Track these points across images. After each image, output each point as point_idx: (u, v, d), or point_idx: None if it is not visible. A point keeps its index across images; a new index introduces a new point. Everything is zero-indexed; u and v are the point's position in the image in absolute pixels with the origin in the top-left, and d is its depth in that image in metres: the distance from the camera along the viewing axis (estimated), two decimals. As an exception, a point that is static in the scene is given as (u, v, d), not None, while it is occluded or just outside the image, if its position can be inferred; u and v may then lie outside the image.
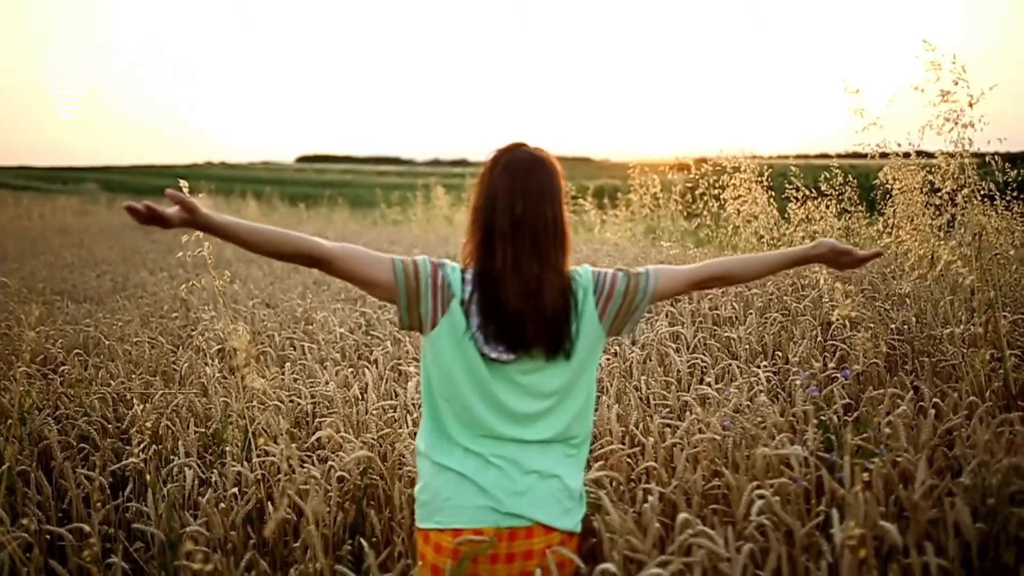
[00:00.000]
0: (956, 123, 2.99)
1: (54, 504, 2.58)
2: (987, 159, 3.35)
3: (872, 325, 3.43)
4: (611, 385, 2.98)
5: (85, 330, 4.60)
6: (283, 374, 3.53)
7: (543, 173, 1.67)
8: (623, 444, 2.50)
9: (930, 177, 3.61)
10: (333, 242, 1.64)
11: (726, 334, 3.67)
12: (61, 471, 2.64)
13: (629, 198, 7.66)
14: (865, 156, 3.64)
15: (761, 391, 2.79)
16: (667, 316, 4.12)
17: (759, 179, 5.49)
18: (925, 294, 4.00)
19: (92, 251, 10.42)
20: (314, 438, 2.66)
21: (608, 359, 3.36)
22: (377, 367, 3.55)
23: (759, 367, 3.13)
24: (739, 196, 5.45)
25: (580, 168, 31.33)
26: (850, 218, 5.47)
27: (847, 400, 2.70)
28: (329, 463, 2.41)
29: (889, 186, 3.93)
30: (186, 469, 2.57)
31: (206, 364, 3.69)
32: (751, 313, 3.94)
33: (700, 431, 2.42)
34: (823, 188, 5.38)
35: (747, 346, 3.52)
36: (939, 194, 3.43)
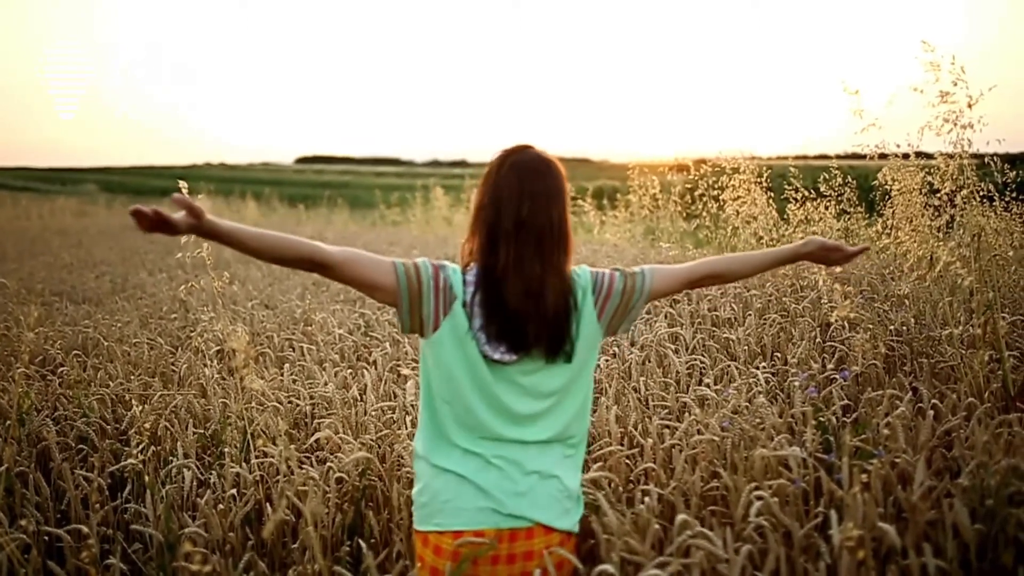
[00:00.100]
0: (955, 124, 2.99)
1: (52, 505, 2.58)
2: (986, 160, 3.35)
3: (871, 326, 3.43)
4: (610, 386, 2.98)
5: (84, 331, 4.59)
6: (282, 375, 3.53)
7: (549, 176, 1.67)
8: (622, 445, 2.50)
9: (929, 178, 3.61)
10: (334, 246, 1.64)
11: (725, 335, 3.67)
12: (59, 472, 2.64)
13: (628, 199, 7.66)
14: (864, 157, 3.65)
15: (760, 392, 2.79)
16: (666, 317, 4.12)
17: (758, 180, 5.50)
18: (924, 295, 4.00)
19: (91, 252, 10.41)
20: (313, 439, 2.66)
21: (607, 360, 3.36)
22: (376, 368, 3.55)
23: (758, 368, 3.13)
24: (738, 197, 5.45)
25: (579, 169, 31.33)
26: (849, 219, 5.47)
27: (846, 401, 2.70)
28: (328, 464, 2.41)
29: (888, 187, 3.94)
30: (185, 470, 2.57)
31: (205, 365, 3.69)
32: (750, 314, 3.94)
33: (699, 432, 2.42)
34: (822, 189, 5.37)
35: (746, 347, 3.52)
36: (938, 195, 3.43)
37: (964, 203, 3.22)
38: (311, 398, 3.18)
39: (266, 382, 3.33)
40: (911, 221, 3.67)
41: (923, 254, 3.46)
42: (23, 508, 2.49)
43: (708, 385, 2.90)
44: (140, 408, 3.00)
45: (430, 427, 1.70)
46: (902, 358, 3.42)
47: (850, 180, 5.48)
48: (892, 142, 3.60)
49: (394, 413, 2.90)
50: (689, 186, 6.31)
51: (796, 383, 2.72)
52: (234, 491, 2.46)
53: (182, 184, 2.19)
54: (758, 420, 2.42)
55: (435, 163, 59.58)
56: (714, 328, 3.89)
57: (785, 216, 5.38)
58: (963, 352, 3.06)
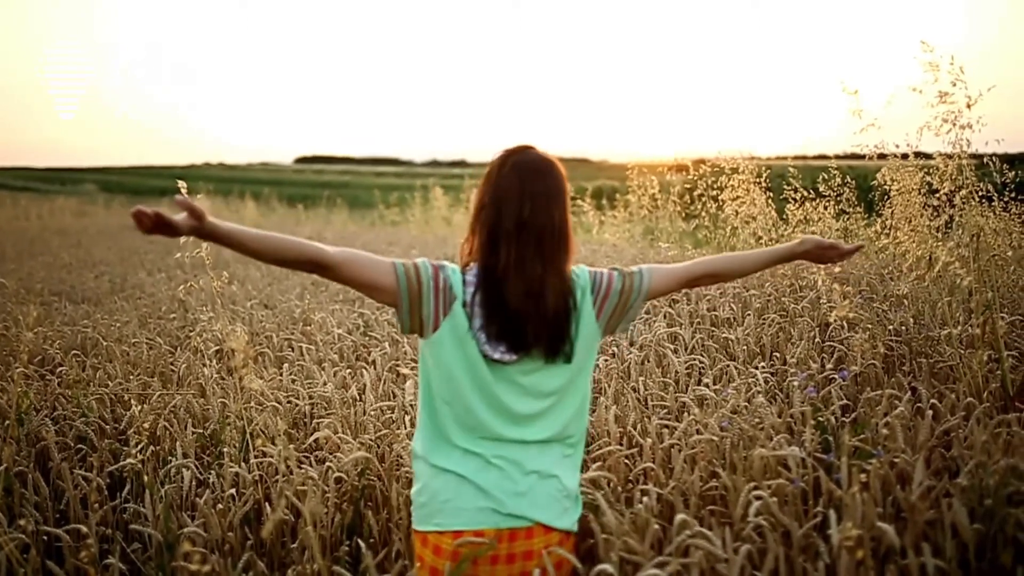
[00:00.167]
0: (954, 124, 2.99)
1: (51, 505, 2.58)
2: (985, 160, 3.35)
3: (870, 326, 3.43)
4: (609, 386, 2.98)
5: (83, 331, 4.59)
6: (281, 375, 3.53)
7: (550, 176, 1.67)
8: (621, 445, 2.50)
9: (928, 178, 3.61)
10: (334, 247, 1.64)
11: (724, 335, 3.67)
12: (59, 472, 2.64)
13: (627, 199, 7.65)
14: (863, 157, 3.64)
15: (759, 392, 2.79)
16: (665, 317, 4.12)
17: (757, 180, 5.49)
18: (923, 295, 4.00)
19: (90, 252, 10.40)
20: (312, 439, 2.65)
21: (606, 360, 3.36)
22: (375, 368, 3.55)
23: (757, 368, 3.14)
24: (737, 197, 5.44)
25: (578, 169, 31.32)
26: (848, 219, 5.46)
27: (845, 401, 2.70)
28: (327, 464, 2.41)
29: (887, 187, 3.94)
30: (184, 470, 2.57)
31: (204, 365, 3.69)
32: (749, 314, 3.94)
33: (698, 432, 2.42)
34: (821, 189, 5.37)
35: (745, 347, 3.52)
36: (937, 195, 3.43)
37: (963, 203, 3.22)
38: (310, 398, 3.18)
39: (265, 382, 3.33)
40: (910, 221, 3.67)
41: (922, 254, 3.46)
42: (22, 508, 2.49)
43: (707, 385, 2.90)
44: (139, 408, 3.00)
45: (429, 427, 1.70)
46: (901, 358, 3.42)
47: (849, 180, 5.47)
48: (891, 142, 3.60)
49: (393, 413, 2.90)
50: (688, 186, 6.31)
51: (795, 383, 2.72)
52: (233, 491, 2.46)
53: (181, 184, 2.19)
54: (757, 420, 2.42)
55: (434, 163, 59.60)
56: (713, 328, 3.89)
57: (784, 216, 5.38)
58: (962, 352, 3.06)
